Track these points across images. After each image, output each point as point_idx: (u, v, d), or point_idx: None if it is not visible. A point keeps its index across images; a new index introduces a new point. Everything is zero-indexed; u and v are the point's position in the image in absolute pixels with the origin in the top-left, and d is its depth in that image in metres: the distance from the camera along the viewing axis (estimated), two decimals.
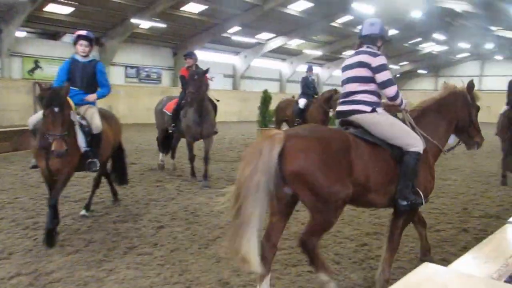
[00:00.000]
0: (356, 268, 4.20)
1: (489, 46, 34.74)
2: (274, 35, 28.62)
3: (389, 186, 3.46)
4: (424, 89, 44.05)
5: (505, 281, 0.81)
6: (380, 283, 3.68)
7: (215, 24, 24.82)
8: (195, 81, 7.46)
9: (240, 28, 25.88)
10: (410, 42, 34.40)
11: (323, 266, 3.30)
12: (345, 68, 3.76)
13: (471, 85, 4.10)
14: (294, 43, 30.84)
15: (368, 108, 3.53)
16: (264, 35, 28.50)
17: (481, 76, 39.91)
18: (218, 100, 8.61)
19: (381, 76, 3.53)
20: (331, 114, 10.93)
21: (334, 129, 3.67)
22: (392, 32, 30.75)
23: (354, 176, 3.20)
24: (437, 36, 31.61)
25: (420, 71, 44.52)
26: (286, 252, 4.54)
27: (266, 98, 13.46)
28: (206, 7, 22.29)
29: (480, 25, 26.56)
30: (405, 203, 3.46)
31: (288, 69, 34.83)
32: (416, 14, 23.88)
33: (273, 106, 13.14)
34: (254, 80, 32.69)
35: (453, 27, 28.81)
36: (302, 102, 10.90)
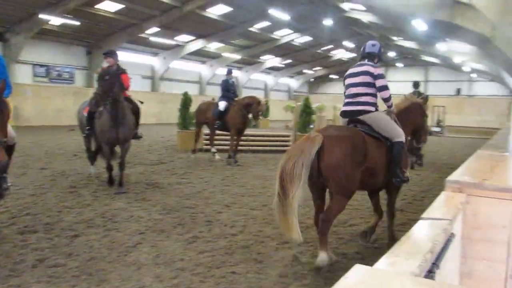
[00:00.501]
0: (278, 266, 4.26)
1: (392, 54, 37.69)
2: (194, 37, 28.36)
3: (385, 169, 4.49)
4: (335, 93, 46.58)
5: (424, 276, 0.83)
6: (391, 241, 4.74)
7: (132, 24, 23.95)
8: (105, 82, 6.80)
9: (159, 29, 25.25)
10: (323, 48, 36.15)
11: (325, 247, 4.06)
12: (350, 75, 4.72)
13: (426, 98, 5.75)
14: (213, 46, 30.83)
15: (373, 109, 4.56)
16: (183, 37, 28.11)
17: None
18: (142, 102, 8.12)
19: (380, 82, 4.56)
20: (250, 117, 11.09)
21: (353, 129, 4.46)
22: (306, 39, 32.11)
23: (367, 162, 4.18)
24: (346, 43, 33.58)
25: (332, 76, 46.97)
26: (210, 255, 4.48)
27: (186, 100, 13.22)
28: (123, 6, 21.42)
29: (384, 35, 28.71)
30: (398, 179, 4.55)
31: (208, 71, 34.74)
32: (328, 22, 25.14)
33: (193, 108, 12.97)
34: (173, 82, 32.08)
35: (361, 36, 30.81)
36: (222, 105, 10.87)
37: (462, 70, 37.91)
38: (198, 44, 28.98)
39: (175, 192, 7.37)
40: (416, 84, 11.37)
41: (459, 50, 25.96)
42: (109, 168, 7.44)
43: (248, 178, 8.90)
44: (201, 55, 32.56)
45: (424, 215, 1.19)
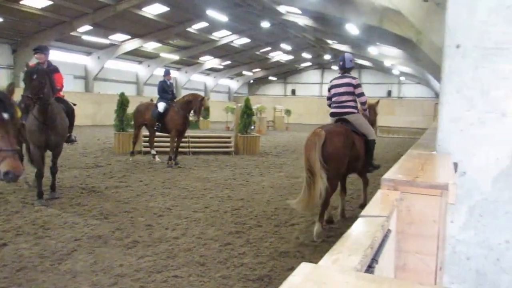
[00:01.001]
0: (221, 268, 4.25)
1: (327, 57, 39.05)
2: (129, 37, 27.50)
3: (363, 158, 5.80)
4: (275, 94, 47.38)
5: (365, 271, 0.88)
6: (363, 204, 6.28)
7: (62, 21, 22.72)
8: (33, 82, 5.92)
9: (91, 27, 24.17)
10: (261, 50, 36.60)
11: (323, 220, 5.40)
12: (335, 86, 5.94)
13: (377, 103, 7.59)
14: (150, 46, 30.10)
15: (356, 111, 5.88)
16: (118, 36, 27.15)
17: (322, 84, 44.58)
18: (75, 104, 7.60)
19: (358, 90, 5.87)
20: (191, 118, 10.90)
21: (343, 126, 5.61)
22: (244, 40, 32.34)
23: (353, 151, 5.47)
24: (284, 46, 34.28)
25: (271, 78, 47.71)
26: (151, 259, 4.36)
27: (123, 101, 12.75)
28: (51, 2, 20.25)
29: (319, 38, 29.68)
30: (371, 168, 6.10)
31: (146, 72, 33.86)
32: (265, 25, 25.52)
33: (130, 109, 12.57)
34: (109, 82, 30.89)
35: (298, 39, 31.62)
36: (161, 106, 10.63)
37: (392, 73, 40.18)
38: (134, 44, 28.14)
39: (113, 197, 7.10)
40: None
41: (389, 54, 27.45)
42: (40, 176, 6.53)
43: (190, 180, 8.80)
44: (138, 55, 31.65)
45: (363, 212, 1.25)
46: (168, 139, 11.04)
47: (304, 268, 0.72)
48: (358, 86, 5.92)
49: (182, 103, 10.64)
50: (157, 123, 10.64)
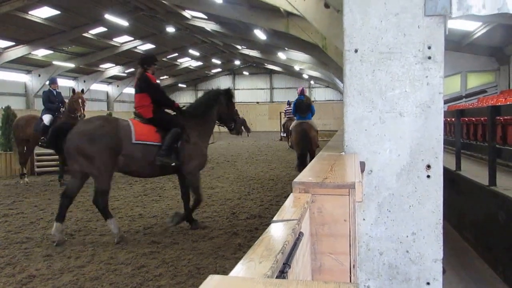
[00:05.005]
0: None
1: (237, 62, 39.72)
2: (13, 43, 25.45)
3: None
4: (185, 102, 46.91)
5: (277, 277, 0.92)
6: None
7: None
8: None
9: None
10: (168, 56, 36.09)
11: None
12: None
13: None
14: (40, 53, 28.14)
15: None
16: (0, 43, 25.00)
17: (234, 90, 45.16)
18: None
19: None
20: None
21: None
22: (148, 46, 31.69)
23: None
24: (192, 52, 34.21)
25: (180, 85, 47.26)
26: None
27: (8, 116, 11.73)
28: None
29: (228, 44, 30.12)
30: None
31: (36, 82, 31.53)
32: (170, 29, 25.27)
33: None
34: None
35: (206, 44, 31.77)
36: (47, 118, 9.87)
37: (302, 77, 42.08)
38: (20, 51, 26.08)
39: (1, 227, 6.48)
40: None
41: (298, 59, 28.76)
42: None
43: None
44: (25, 63, 29.39)
45: (275, 218, 1.30)
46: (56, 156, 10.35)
47: (211, 280, 0.73)
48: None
49: (67, 112, 9.96)
50: (42, 138, 9.90)
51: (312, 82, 43.86)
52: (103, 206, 5.72)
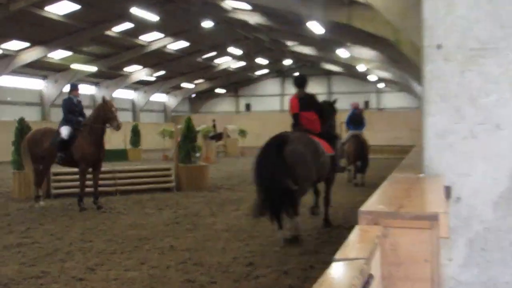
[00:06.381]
0: None
1: (287, 62, 39.94)
2: (28, 44, 26.93)
3: None
4: (225, 111, 47.55)
5: None
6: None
7: None
8: None
9: None
10: (204, 56, 36.87)
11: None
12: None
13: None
14: (57, 55, 29.59)
15: None
16: (13, 44, 26.55)
17: (283, 96, 45.33)
18: None
19: None
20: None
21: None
22: (181, 44, 32.52)
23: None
24: (232, 50, 34.73)
25: (218, 90, 48.04)
26: None
27: (22, 129, 12.38)
28: None
29: (276, 40, 30.36)
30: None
31: (52, 89, 33.15)
32: (207, 24, 25.80)
33: None
34: (2, 105, 29.95)
35: (250, 41, 32.16)
36: (65, 131, 10.27)
37: (368, 80, 41.62)
38: (35, 53, 27.55)
39: (15, 258, 6.80)
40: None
41: (362, 57, 28.53)
42: None
43: (119, 229, 8.59)
44: (41, 68, 30.99)
45: (337, 255, 1.29)
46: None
47: None
48: None
49: (91, 124, 10.35)
50: (59, 154, 10.33)
51: (380, 85, 43.27)
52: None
